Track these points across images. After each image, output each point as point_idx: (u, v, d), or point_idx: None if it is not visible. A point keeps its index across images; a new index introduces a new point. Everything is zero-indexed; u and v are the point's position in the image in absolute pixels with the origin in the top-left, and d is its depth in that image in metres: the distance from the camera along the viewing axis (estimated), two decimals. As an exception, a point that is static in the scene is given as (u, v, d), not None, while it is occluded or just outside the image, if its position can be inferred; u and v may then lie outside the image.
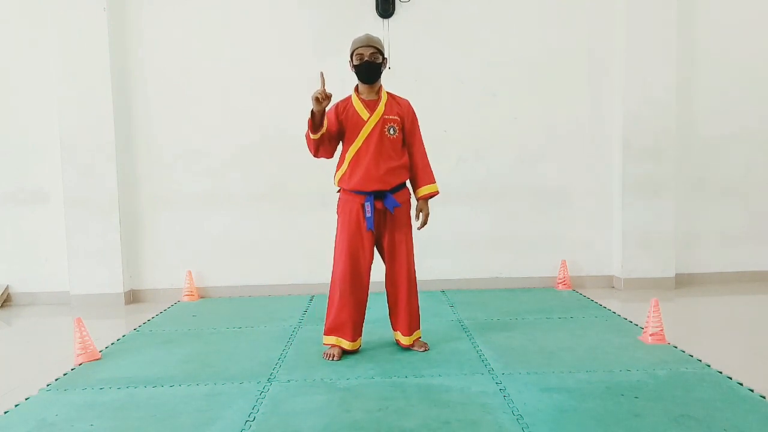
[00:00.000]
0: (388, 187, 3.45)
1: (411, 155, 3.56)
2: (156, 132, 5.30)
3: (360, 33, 5.36)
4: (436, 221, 5.35)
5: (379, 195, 3.45)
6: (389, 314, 3.68)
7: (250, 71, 5.29)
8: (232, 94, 5.30)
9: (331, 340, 3.55)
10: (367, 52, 3.40)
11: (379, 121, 3.43)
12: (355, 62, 3.42)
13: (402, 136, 3.52)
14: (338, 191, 3.60)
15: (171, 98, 5.29)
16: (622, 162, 5.27)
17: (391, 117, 3.47)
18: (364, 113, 3.45)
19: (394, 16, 5.27)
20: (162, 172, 5.32)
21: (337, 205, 3.59)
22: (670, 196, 5.30)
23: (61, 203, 5.19)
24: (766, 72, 5.45)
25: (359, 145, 3.43)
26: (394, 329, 3.68)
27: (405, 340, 3.60)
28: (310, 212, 5.31)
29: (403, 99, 3.61)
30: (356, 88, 3.55)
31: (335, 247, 3.55)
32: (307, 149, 3.51)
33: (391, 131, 3.45)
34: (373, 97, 3.50)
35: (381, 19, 5.26)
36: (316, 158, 3.57)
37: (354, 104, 3.48)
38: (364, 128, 3.43)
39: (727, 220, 5.52)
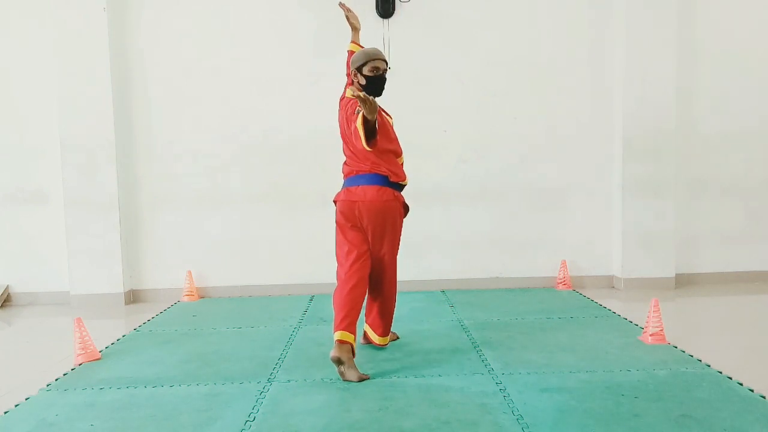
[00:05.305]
0: None
1: None
2: (156, 132, 5.30)
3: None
4: (436, 221, 5.39)
5: None
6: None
7: (250, 71, 5.29)
8: (232, 94, 5.30)
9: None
10: (382, 65, 3.28)
11: None
12: (370, 74, 3.25)
13: None
14: (400, 190, 3.41)
15: (171, 98, 5.28)
16: (622, 162, 5.27)
17: None
18: (388, 117, 3.46)
19: (394, 16, 5.27)
20: (162, 172, 5.32)
21: (400, 206, 3.40)
22: (670, 196, 5.30)
23: (61, 203, 5.19)
24: (766, 72, 5.45)
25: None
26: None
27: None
28: (310, 212, 5.30)
29: None
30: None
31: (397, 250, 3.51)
32: (364, 142, 3.13)
33: None
34: None
35: (381, 19, 5.26)
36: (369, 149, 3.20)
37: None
38: (393, 133, 3.43)
39: (727, 220, 5.52)
